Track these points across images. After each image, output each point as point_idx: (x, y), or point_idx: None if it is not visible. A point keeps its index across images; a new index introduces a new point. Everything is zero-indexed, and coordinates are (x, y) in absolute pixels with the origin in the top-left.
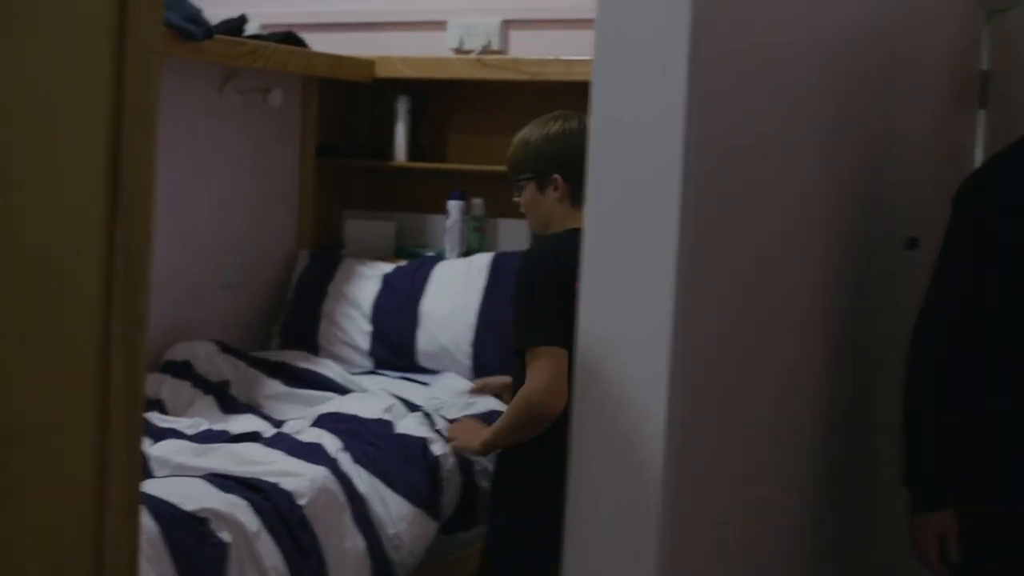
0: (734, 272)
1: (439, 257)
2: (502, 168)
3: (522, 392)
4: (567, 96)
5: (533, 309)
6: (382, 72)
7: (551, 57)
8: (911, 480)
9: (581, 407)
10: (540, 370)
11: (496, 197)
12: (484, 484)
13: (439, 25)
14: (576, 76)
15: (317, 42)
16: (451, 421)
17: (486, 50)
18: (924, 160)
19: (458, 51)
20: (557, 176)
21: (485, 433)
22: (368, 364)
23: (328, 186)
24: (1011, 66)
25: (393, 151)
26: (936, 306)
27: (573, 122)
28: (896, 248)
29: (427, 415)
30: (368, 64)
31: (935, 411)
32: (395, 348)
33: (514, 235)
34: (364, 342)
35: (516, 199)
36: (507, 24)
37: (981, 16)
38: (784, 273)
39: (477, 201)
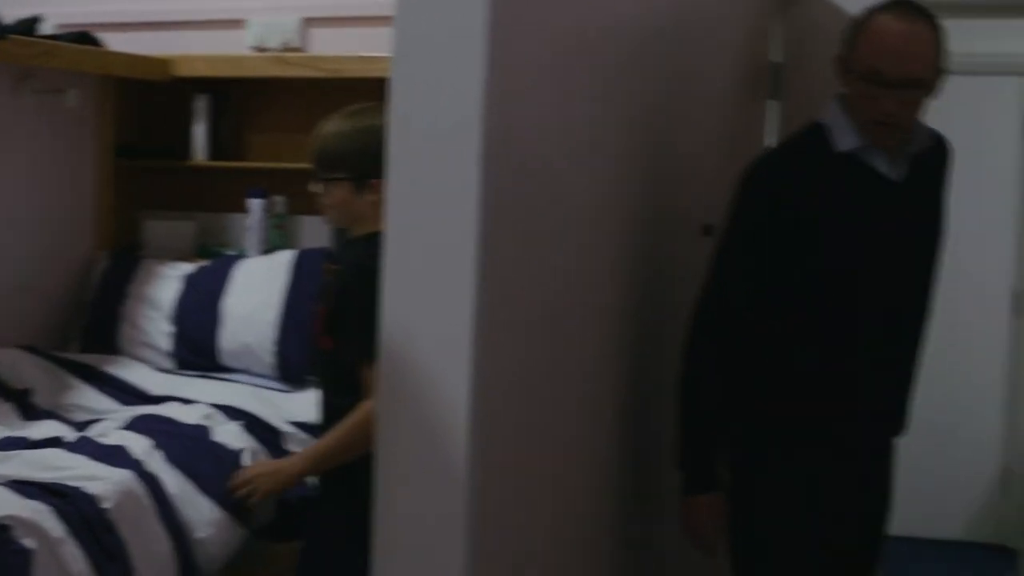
0: (535, 265)
1: (241, 256)
2: (304, 166)
3: (366, 406)
4: (367, 93)
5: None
6: (180, 71)
7: (350, 54)
8: (684, 463)
9: (386, 403)
10: None
11: (298, 195)
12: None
13: (238, 23)
14: (376, 72)
15: (116, 42)
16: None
17: (285, 48)
18: (717, 149)
19: (257, 49)
20: (379, 181)
21: (300, 460)
22: (170, 365)
23: (126, 186)
24: (802, 58)
25: (193, 150)
26: (717, 287)
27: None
28: (692, 236)
29: (250, 422)
30: (165, 63)
31: (710, 393)
32: (197, 348)
33: (316, 232)
34: (165, 343)
35: (316, 190)
36: (306, 22)
37: (773, 8)
38: (583, 264)
39: (279, 199)
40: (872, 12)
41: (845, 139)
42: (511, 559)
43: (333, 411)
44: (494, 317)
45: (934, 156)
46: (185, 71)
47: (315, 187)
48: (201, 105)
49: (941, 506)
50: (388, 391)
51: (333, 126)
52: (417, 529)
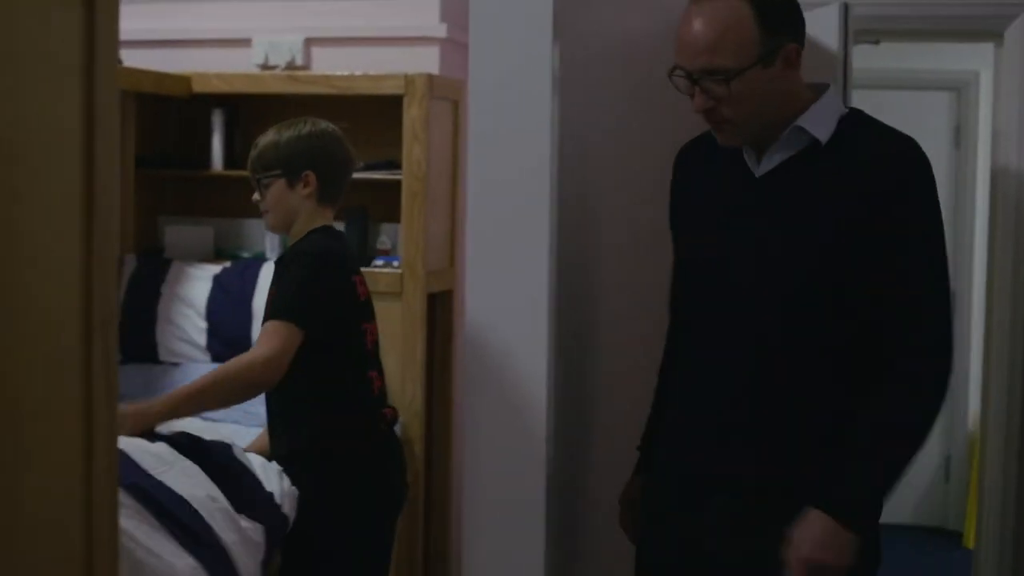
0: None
1: (262, 258)
2: None
3: (243, 358)
4: (365, 109)
5: (296, 292)
6: (199, 87)
7: (348, 72)
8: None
9: (471, 378)
10: (270, 341)
11: None
12: None
13: (245, 43)
14: (383, 90)
15: (125, 59)
16: None
17: (290, 66)
18: None
19: (263, 67)
20: (309, 172)
21: (161, 402)
22: (205, 359)
23: (147, 194)
24: None
25: (210, 160)
26: None
27: (321, 125)
28: None
29: None
30: (186, 80)
31: (658, 379)
32: (231, 342)
33: None
34: (200, 338)
35: (256, 199)
36: (309, 41)
37: None
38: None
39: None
40: None
41: None
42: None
43: (271, 397)
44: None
45: (854, 158)
46: (204, 88)
47: (256, 197)
48: (217, 118)
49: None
50: (472, 368)
51: (266, 138)
52: (503, 489)
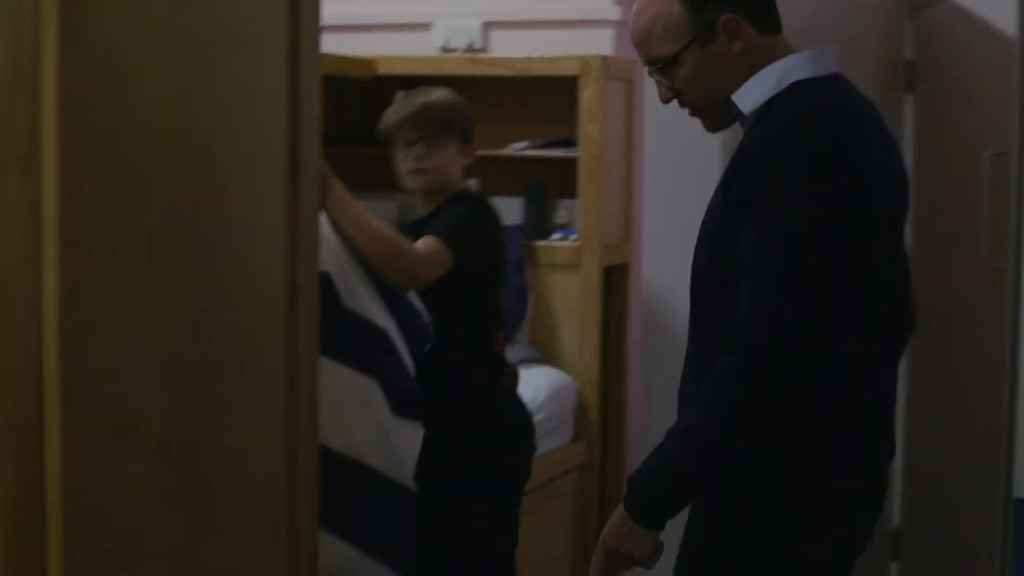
0: None
1: None
2: (494, 152)
3: (408, 244)
4: (539, 89)
5: (455, 221)
6: (384, 70)
7: (525, 55)
8: None
9: (648, 347)
10: (433, 254)
11: (489, 177)
12: None
13: (424, 27)
14: (560, 71)
15: None
16: None
17: (469, 48)
18: None
19: (443, 50)
20: (473, 145)
21: (350, 201)
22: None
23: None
24: (934, 55)
25: None
26: None
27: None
28: None
29: None
30: (369, 62)
31: None
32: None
33: (508, 211)
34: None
35: (420, 154)
36: (488, 25)
37: (904, 12)
38: None
39: (472, 181)
40: None
41: None
42: None
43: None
44: None
45: (754, 134)
46: (388, 70)
47: (416, 152)
48: None
49: None
50: (648, 339)
51: (434, 95)
52: None
